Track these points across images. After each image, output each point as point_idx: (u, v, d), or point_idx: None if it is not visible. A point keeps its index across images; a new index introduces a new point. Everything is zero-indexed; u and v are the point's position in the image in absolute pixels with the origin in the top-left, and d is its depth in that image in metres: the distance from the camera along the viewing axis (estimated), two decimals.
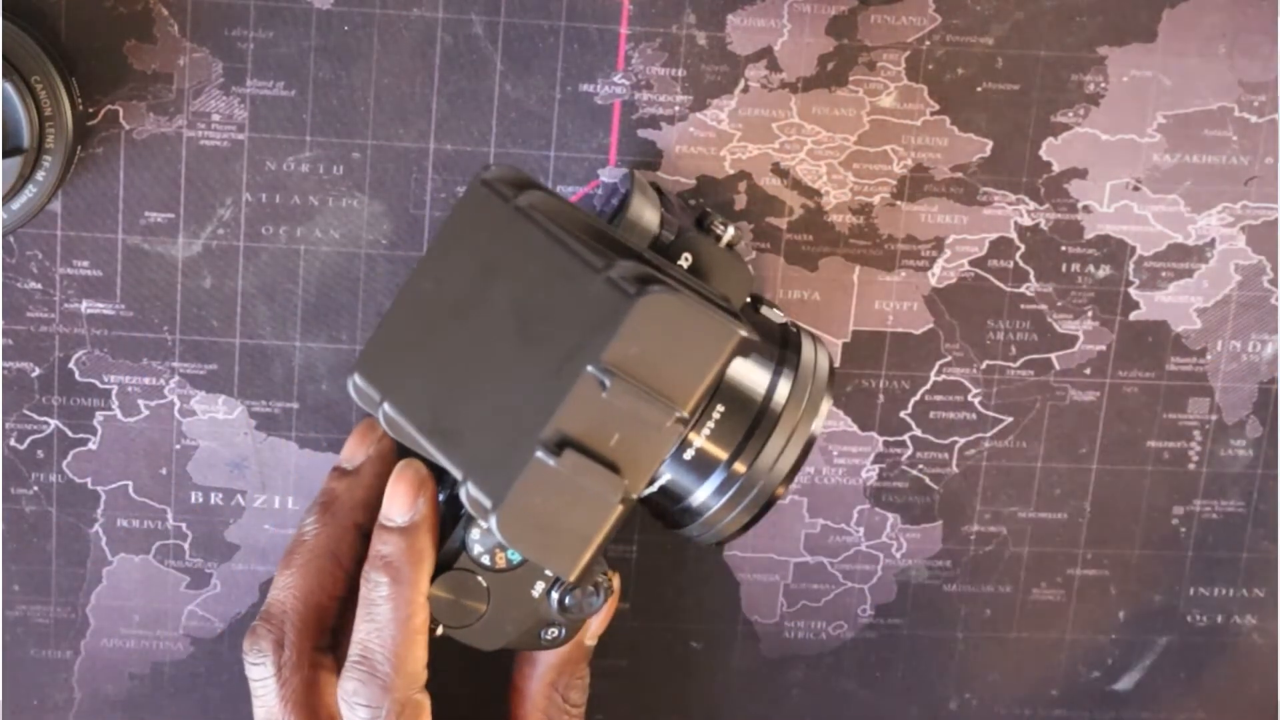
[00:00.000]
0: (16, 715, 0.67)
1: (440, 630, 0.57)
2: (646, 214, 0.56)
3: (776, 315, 0.58)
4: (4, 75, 0.56)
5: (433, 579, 0.57)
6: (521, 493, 0.47)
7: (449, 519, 0.57)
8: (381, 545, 0.57)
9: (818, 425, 0.55)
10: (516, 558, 0.57)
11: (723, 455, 0.54)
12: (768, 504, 0.55)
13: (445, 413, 0.51)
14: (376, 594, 0.56)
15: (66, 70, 0.58)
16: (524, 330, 0.50)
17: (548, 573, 0.57)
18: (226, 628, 0.67)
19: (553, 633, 0.58)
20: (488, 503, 0.48)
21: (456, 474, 0.50)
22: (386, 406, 0.53)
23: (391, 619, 0.55)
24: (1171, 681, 0.71)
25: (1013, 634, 0.70)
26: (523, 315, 0.50)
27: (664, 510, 0.56)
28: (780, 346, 0.55)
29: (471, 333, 0.51)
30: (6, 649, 0.66)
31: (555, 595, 0.57)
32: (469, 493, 0.49)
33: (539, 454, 0.47)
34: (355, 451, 0.61)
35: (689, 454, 0.54)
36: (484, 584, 0.57)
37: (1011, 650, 0.70)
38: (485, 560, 0.57)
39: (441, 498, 0.58)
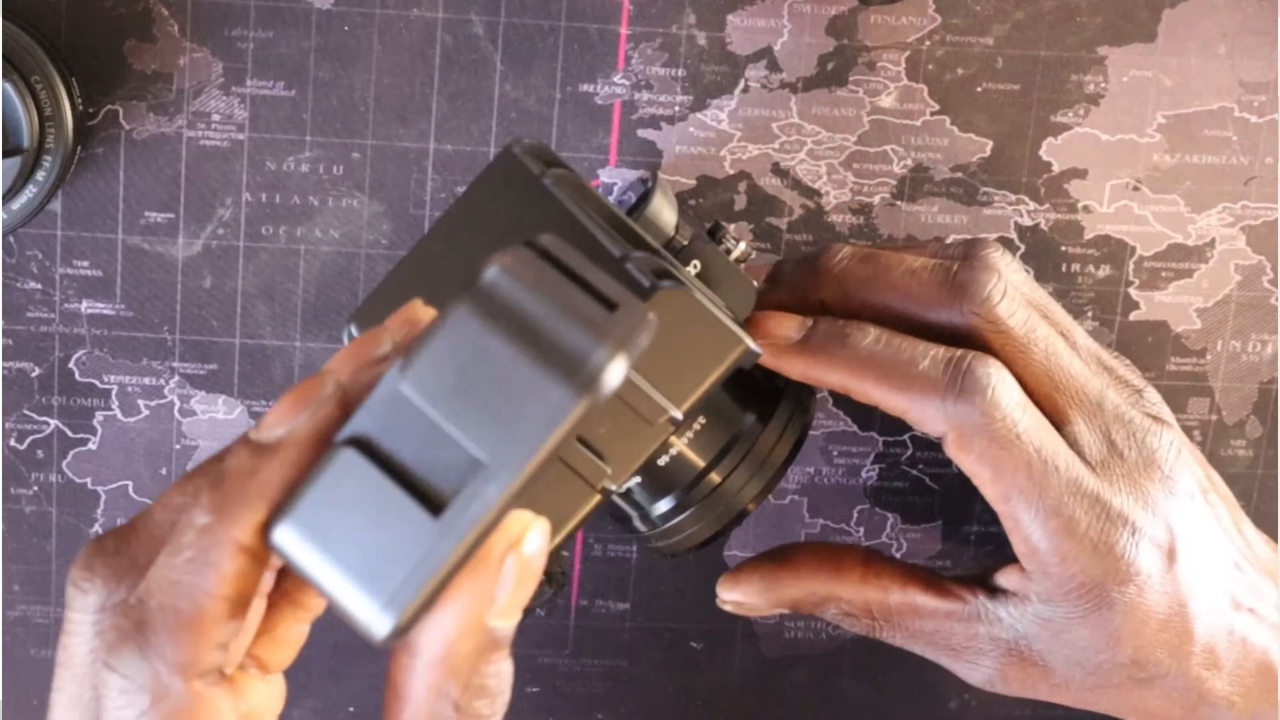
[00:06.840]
0: (16, 715, 0.67)
1: None
2: (665, 213, 0.56)
3: None
4: (4, 75, 0.56)
5: None
6: None
7: None
8: (229, 457, 0.41)
9: (793, 453, 0.55)
10: None
11: (697, 467, 0.53)
12: (731, 522, 0.55)
13: None
14: (187, 528, 0.40)
15: (66, 70, 0.58)
16: None
17: None
18: None
19: None
20: None
21: None
22: None
23: (190, 566, 0.39)
24: None
25: None
26: None
27: (624, 513, 0.56)
28: (769, 369, 0.55)
29: None
30: (6, 649, 0.66)
31: None
32: None
33: None
34: (279, 420, 0.41)
35: (664, 460, 0.53)
36: None
37: None
38: None
39: None
